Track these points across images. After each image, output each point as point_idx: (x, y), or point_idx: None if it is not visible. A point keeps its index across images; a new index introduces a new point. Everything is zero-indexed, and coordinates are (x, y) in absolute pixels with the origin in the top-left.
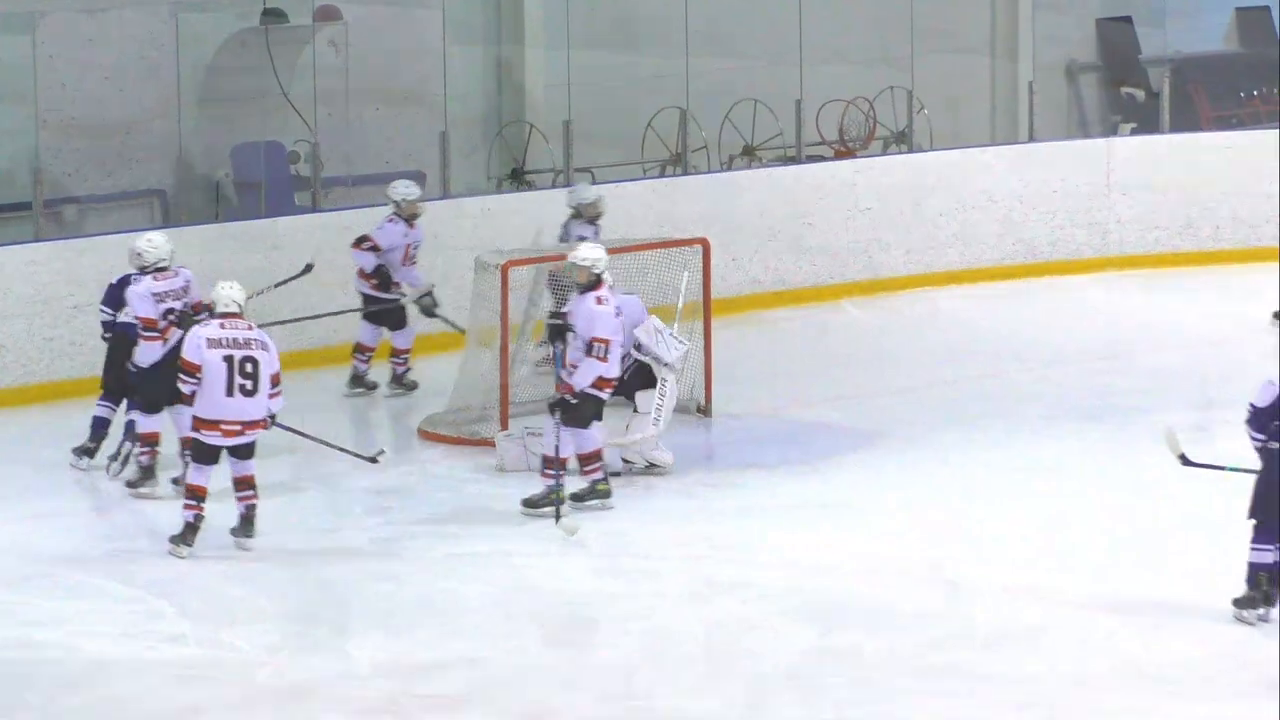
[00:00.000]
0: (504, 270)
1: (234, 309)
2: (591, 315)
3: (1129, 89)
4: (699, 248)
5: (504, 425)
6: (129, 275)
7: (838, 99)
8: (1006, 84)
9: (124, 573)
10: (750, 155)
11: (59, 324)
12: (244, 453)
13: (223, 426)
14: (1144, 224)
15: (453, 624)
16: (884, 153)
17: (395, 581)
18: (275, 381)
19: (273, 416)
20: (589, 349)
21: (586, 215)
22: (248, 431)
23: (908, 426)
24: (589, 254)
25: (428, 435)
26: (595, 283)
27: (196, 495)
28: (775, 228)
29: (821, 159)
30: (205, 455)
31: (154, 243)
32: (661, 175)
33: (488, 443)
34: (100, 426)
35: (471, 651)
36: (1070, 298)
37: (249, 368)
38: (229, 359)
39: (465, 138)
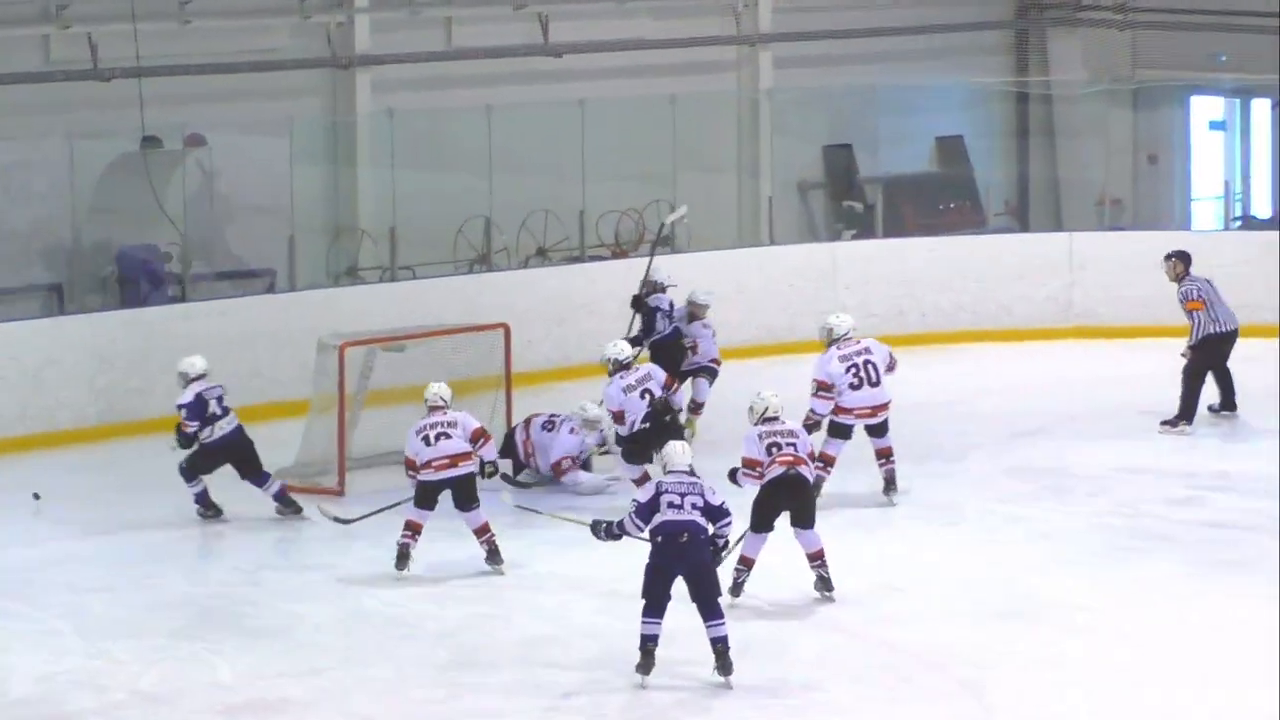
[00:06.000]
0: (341, 350)
1: (439, 404)
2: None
3: (850, 203)
4: (500, 331)
5: (341, 477)
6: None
7: (613, 209)
8: (751, 198)
9: (36, 600)
10: (542, 255)
11: None
12: (466, 497)
13: (434, 464)
14: (864, 311)
15: (301, 640)
16: (652, 254)
17: (254, 605)
18: (476, 437)
19: (490, 464)
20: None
21: (691, 313)
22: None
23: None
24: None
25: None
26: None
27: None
28: (564, 316)
29: (600, 259)
30: (425, 499)
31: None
32: (469, 272)
33: (328, 490)
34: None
35: (315, 663)
36: (805, 373)
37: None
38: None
39: (309, 241)
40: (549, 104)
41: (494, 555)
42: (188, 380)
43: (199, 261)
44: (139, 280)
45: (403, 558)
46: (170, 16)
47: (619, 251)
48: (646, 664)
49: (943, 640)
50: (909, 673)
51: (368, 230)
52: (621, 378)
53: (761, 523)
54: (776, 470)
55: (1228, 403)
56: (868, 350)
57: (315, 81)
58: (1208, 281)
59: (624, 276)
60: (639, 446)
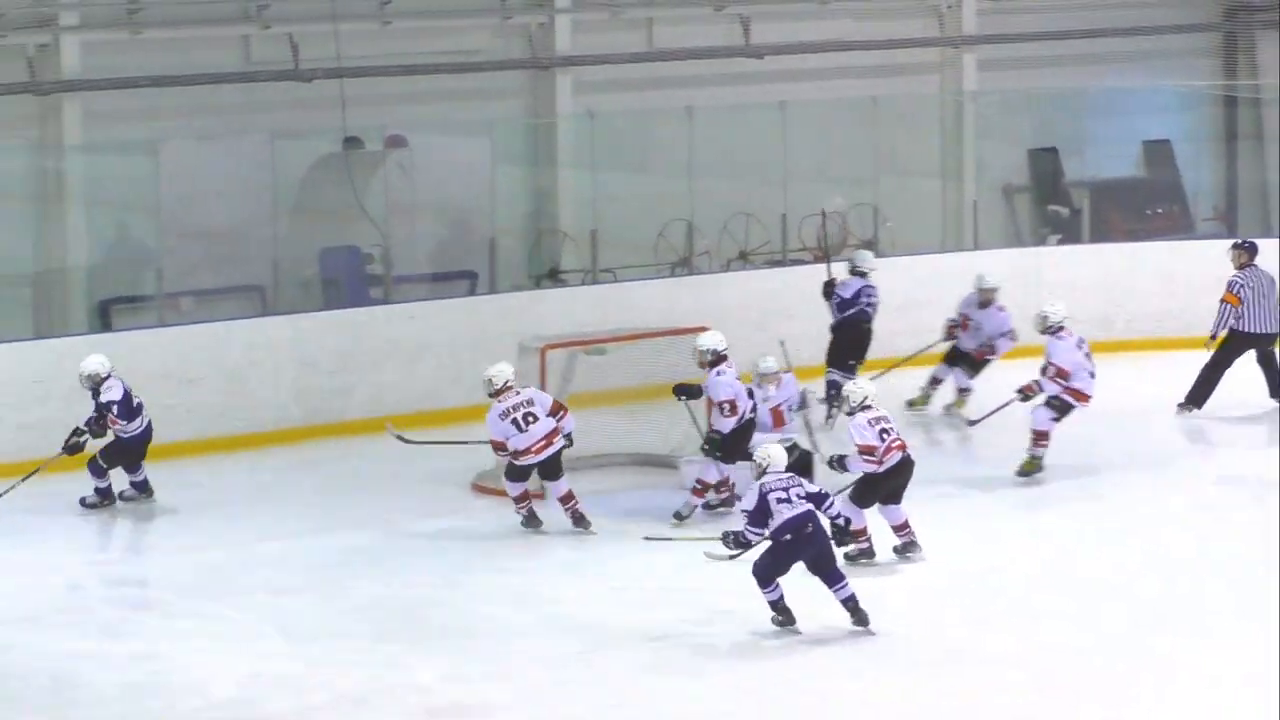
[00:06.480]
0: (542, 353)
1: (509, 384)
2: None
3: (1055, 207)
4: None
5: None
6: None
7: (815, 212)
8: (955, 202)
9: (237, 602)
10: (744, 259)
11: (177, 396)
12: (554, 470)
13: (534, 449)
14: (1068, 318)
15: (498, 643)
16: (827, 250)
17: (451, 608)
18: (556, 410)
19: (567, 436)
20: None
21: (982, 299)
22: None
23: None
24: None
25: (480, 489)
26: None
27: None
28: (765, 319)
29: (802, 263)
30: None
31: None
32: (671, 275)
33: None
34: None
35: (511, 667)
36: (1007, 380)
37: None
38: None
39: (510, 243)
40: (750, 106)
41: (580, 520)
42: (100, 380)
43: (400, 263)
44: (341, 282)
45: (532, 518)
46: (371, 17)
47: (820, 255)
48: (789, 617)
49: (1090, 643)
50: (1040, 669)
51: (569, 232)
52: (730, 367)
53: (869, 500)
54: (896, 455)
55: (1276, 390)
56: (1085, 341)
57: (516, 83)
58: (1271, 280)
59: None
60: (737, 442)
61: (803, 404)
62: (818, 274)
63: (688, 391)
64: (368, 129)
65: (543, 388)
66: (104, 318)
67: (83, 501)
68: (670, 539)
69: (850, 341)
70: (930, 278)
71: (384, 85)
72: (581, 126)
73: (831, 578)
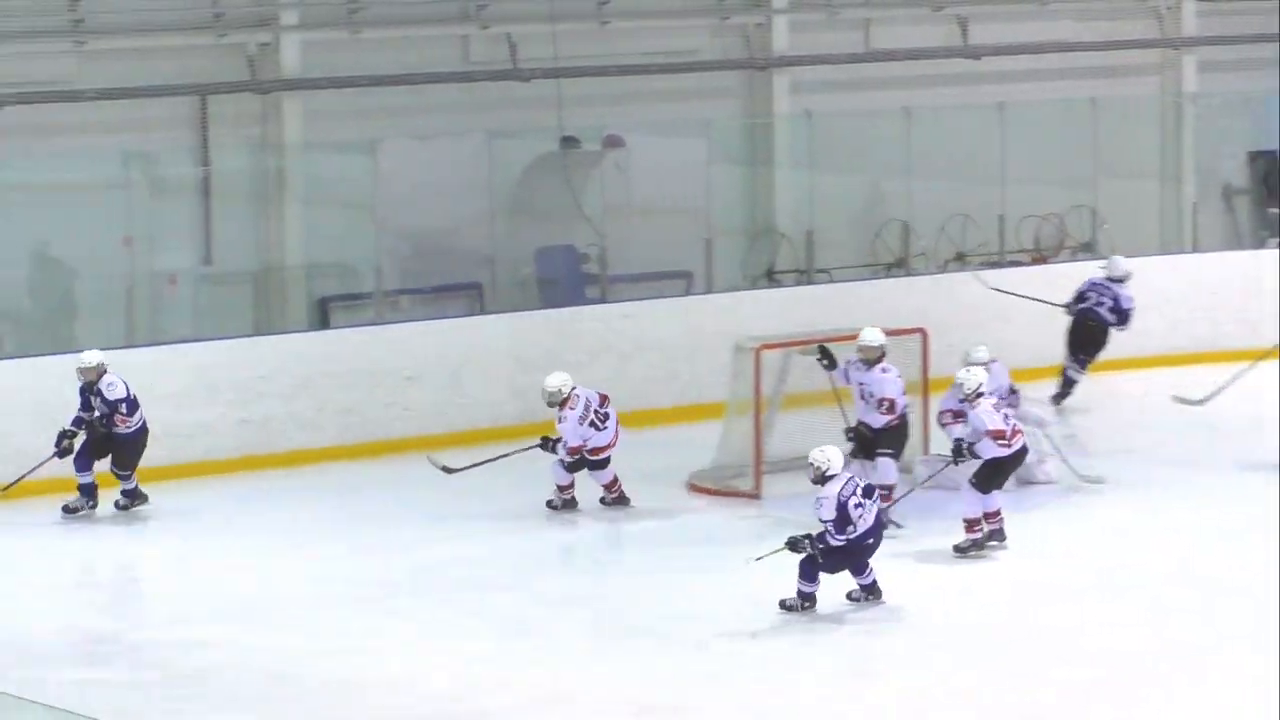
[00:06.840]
0: (758, 353)
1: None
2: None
3: (1276, 209)
4: (918, 336)
5: (758, 483)
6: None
7: (1034, 214)
8: (1173, 203)
9: (448, 598)
10: (961, 260)
11: (395, 394)
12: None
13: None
14: None
15: (705, 643)
16: (1073, 259)
17: (662, 606)
18: (606, 402)
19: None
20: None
21: None
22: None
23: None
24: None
25: (695, 488)
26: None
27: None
28: (982, 321)
29: (1020, 264)
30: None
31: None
32: (887, 276)
33: (743, 493)
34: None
35: (718, 666)
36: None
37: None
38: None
39: (726, 243)
40: (968, 107)
41: (622, 499)
42: (102, 372)
43: (616, 263)
44: (557, 281)
45: (571, 503)
46: (589, 17)
47: (1038, 257)
48: (812, 603)
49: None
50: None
51: (785, 233)
52: (893, 365)
53: (994, 485)
54: (1020, 439)
55: None
56: None
57: (732, 83)
58: None
59: (1047, 282)
60: (889, 441)
61: (1010, 393)
62: (1035, 276)
63: (830, 357)
64: (585, 129)
65: (756, 388)
66: (323, 315)
67: (116, 504)
68: (761, 556)
69: (1077, 338)
70: (1149, 280)
71: (601, 85)
72: (798, 127)
73: (860, 567)
